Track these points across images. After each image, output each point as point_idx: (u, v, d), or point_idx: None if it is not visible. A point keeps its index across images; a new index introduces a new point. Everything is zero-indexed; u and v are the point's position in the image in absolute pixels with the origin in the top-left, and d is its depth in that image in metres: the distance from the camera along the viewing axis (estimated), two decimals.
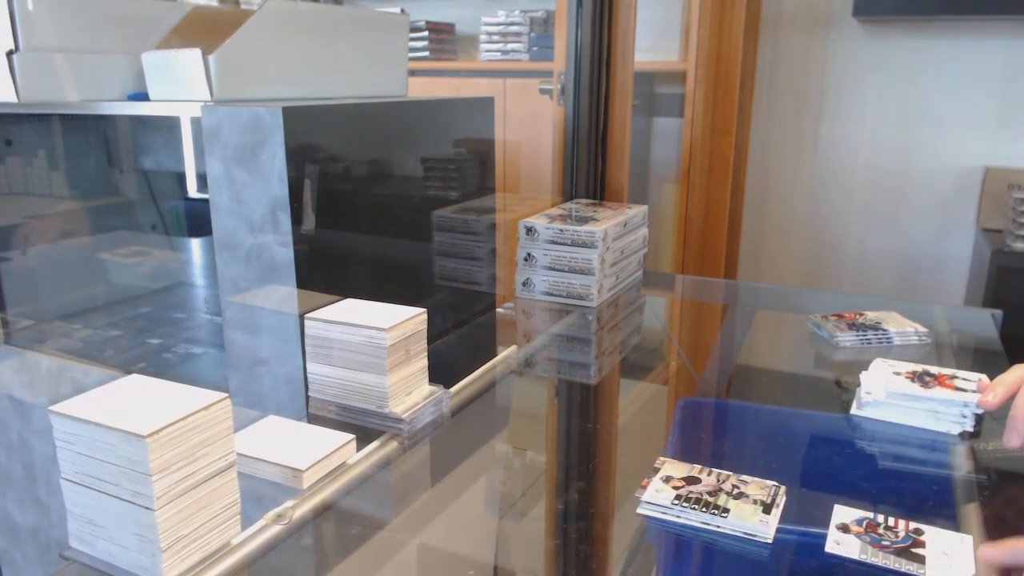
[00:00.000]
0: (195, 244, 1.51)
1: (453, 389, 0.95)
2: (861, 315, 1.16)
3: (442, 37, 3.11)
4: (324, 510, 0.71)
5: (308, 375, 0.88)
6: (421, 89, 2.64)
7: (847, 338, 1.08)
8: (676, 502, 0.67)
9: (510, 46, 2.95)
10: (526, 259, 1.32)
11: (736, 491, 0.69)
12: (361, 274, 1.02)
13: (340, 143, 0.96)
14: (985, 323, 1.23)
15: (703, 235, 2.37)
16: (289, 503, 0.70)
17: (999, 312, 1.25)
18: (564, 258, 1.28)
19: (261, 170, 0.87)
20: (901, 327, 1.11)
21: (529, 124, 2.49)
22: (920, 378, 0.90)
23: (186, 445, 0.58)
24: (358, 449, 0.79)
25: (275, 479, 0.73)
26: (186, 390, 0.62)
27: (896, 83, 2.35)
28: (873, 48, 2.36)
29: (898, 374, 0.91)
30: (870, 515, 0.54)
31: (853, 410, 0.88)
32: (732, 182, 2.36)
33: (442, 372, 0.92)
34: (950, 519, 0.68)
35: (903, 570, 0.52)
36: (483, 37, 3.00)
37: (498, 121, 1.57)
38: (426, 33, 3.03)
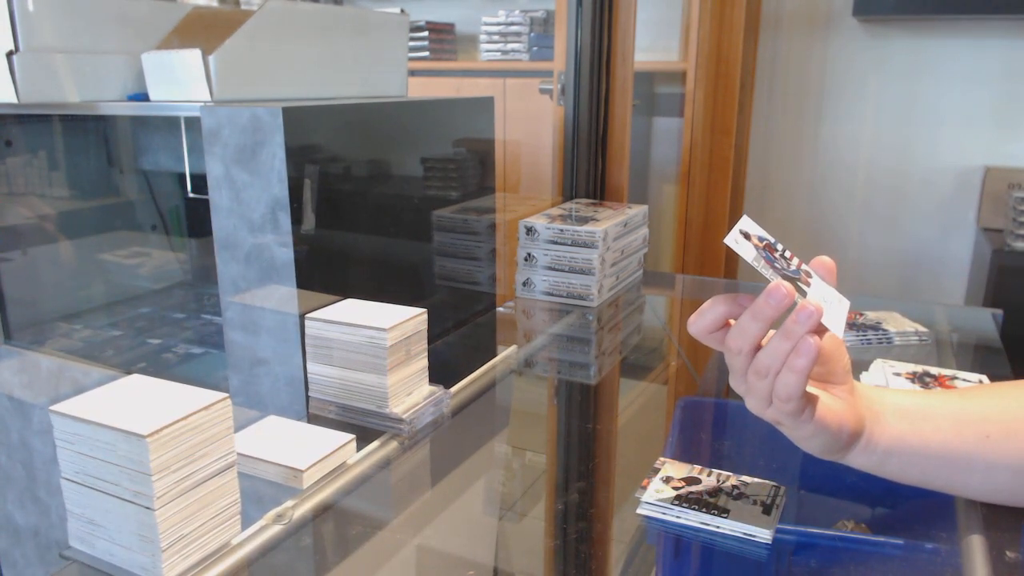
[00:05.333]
0: (195, 244, 1.51)
1: (453, 389, 0.95)
2: (861, 315, 1.16)
3: (442, 37, 3.11)
4: (324, 510, 0.71)
5: (308, 375, 0.88)
6: (421, 89, 2.63)
7: (847, 338, 1.08)
8: (676, 502, 0.67)
9: (510, 46, 2.95)
10: (526, 259, 1.32)
11: (736, 491, 0.69)
12: (361, 274, 1.02)
13: (340, 143, 0.96)
14: (986, 323, 1.23)
15: (703, 235, 2.37)
16: (289, 503, 0.70)
17: (999, 312, 1.25)
18: (564, 258, 1.28)
19: (261, 170, 0.87)
20: (901, 327, 1.11)
21: (529, 124, 2.49)
22: (920, 379, 0.90)
23: (186, 445, 0.58)
24: (358, 449, 0.79)
25: (275, 479, 0.73)
26: (186, 390, 0.62)
27: (896, 83, 2.35)
28: (873, 48, 2.36)
29: (898, 375, 0.91)
30: (771, 239, 0.55)
31: None
32: (732, 182, 2.36)
33: (442, 372, 0.92)
34: (950, 518, 0.68)
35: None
36: (483, 37, 3.00)
37: (498, 121, 1.57)
38: (426, 33, 3.03)
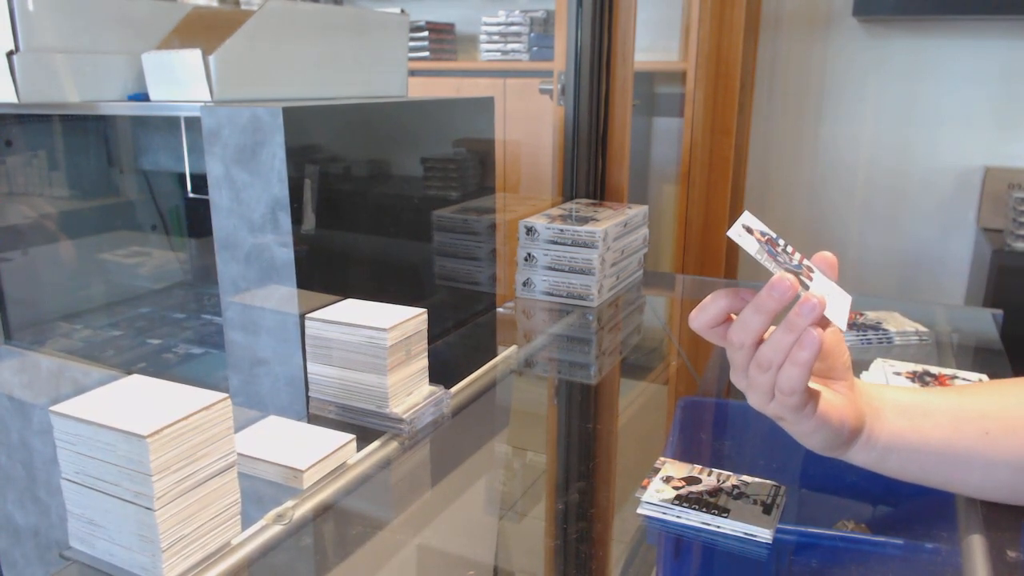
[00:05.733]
0: (195, 244, 1.51)
1: (453, 389, 0.95)
2: (861, 315, 1.16)
3: (442, 37, 3.11)
4: (324, 510, 0.71)
5: (308, 375, 0.88)
6: (421, 89, 2.63)
7: (847, 338, 1.08)
8: (676, 502, 0.67)
9: (510, 46, 2.94)
10: (526, 259, 1.32)
11: (736, 491, 0.69)
12: (361, 274, 1.02)
13: (340, 143, 0.96)
14: (986, 323, 1.23)
15: (703, 235, 2.37)
16: (289, 503, 0.70)
17: (999, 312, 1.25)
18: (564, 258, 1.28)
19: (261, 170, 0.87)
20: (901, 327, 1.11)
21: (529, 124, 2.49)
22: (920, 378, 0.90)
23: (186, 445, 0.58)
24: (358, 449, 0.79)
25: (275, 479, 0.73)
26: (186, 390, 0.62)
27: (896, 83, 2.35)
28: (873, 48, 2.36)
29: (898, 374, 0.91)
30: (773, 234, 0.55)
31: None
32: (732, 182, 2.36)
33: (442, 372, 0.92)
34: (950, 518, 0.68)
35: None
36: (483, 37, 3.00)
37: (498, 121, 1.57)
38: (426, 33, 3.03)
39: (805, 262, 0.55)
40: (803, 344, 0.51)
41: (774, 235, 0.55)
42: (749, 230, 0.54)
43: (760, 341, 0.54)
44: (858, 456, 0.61)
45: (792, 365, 0.52)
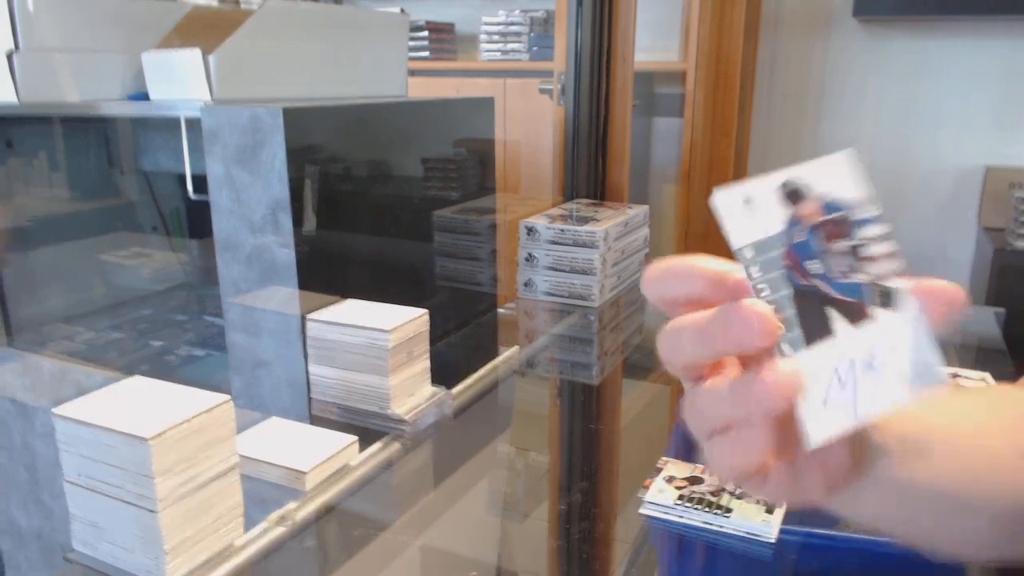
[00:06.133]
0: (196, 245, 1.50)
1: (455, 390, 0.95)
2: None
3: (442, 37, 3.10)
4: (327, 512, 0.71)
5: (310, 377, 0.88)
6: (421, 89, 2.63)
7: None
8: (679, 502, 0.67)
9: (510, 46, 2.94)
10: (527, 259, 1.32)
11: (739, 491, 0.69)
12: (362, 275, 1.02)
13: (340, 143, 0.96)
14: (987, 321, 1.23)
15: (703, 235, 2.37)
16: (292, 505, 0.70)
17: (1001, 310, 1.25)
18: (565, 258, 1.28)
19: (261, 170, 0.87)
20: None
21: (529, 124, 2.49)
22: None
23: (189, 447, 0.58)
24: (361, 450, 0.79)
25: (278, 481, 0.73)
26: (189, 392, 0.62)
27: (896, 83, 2.35)
28: (873, 48, 2.36)
29: None
30: (859, 217, 0.30)
31: None
32: (732, 182, 2.36)
33: (444, 373, 0.92)
34: None
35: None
36: (483, 37, 3.00)
37: (498, 121, 1.57)
38: (426, 33, 3.03)
39: (891, 285, 0.30)
40: (742, 437, 0.32)
41: (861, 217, 0.30)
42: (796, 195, 0.29)
43: (703, 367, 0.34)
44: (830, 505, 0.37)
45: (728, 454, 0.34)
